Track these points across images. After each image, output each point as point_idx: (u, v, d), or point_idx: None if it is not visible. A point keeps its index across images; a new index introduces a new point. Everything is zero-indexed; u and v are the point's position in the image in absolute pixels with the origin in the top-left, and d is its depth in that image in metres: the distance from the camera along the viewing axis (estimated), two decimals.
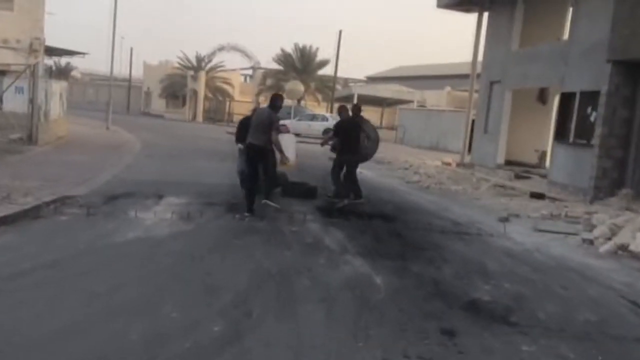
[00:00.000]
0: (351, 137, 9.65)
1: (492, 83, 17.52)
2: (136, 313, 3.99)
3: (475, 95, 19.80)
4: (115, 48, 24.00)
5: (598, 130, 11.39)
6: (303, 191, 9.77)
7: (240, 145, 9.05)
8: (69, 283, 4.55)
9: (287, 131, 9.47)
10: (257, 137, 8.14)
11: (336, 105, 39.57)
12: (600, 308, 4.97)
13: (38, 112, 13.94)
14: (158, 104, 50.81)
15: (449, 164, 18.45)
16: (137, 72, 56.90)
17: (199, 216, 7.45)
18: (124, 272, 4.97)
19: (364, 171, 15.47)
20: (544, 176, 14.41)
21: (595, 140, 11.81)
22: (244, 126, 8.78)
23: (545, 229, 8.27)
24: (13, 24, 21.36)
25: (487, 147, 17.26)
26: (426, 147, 30.75)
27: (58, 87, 17.14)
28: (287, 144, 9.24)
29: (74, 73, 69.63)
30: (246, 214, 7.75)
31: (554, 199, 11.43)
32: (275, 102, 8.52)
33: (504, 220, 8.96)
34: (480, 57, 18.89)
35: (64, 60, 69.62)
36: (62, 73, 69.58)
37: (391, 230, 7.70)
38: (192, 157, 15.74)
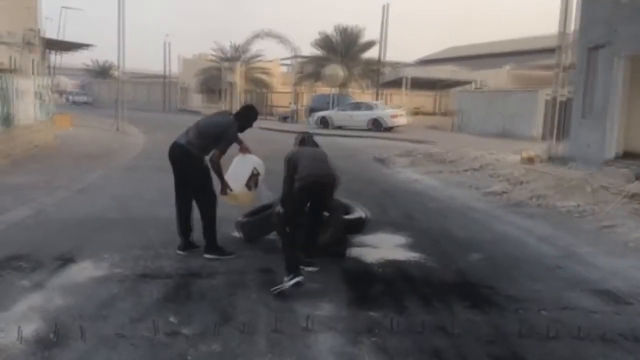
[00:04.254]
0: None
1: (592, 49, 12.88)
2: None
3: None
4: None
5: None
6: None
7: None
8: None
9: (248, 152, 5.55)
10: (191, 140, 5.21)
11: (383, 92, 35.32)
12: None
13: None
14: (195, 100, 47.91)
15: (532, 160, 13.95)
16: (176, 68, 54.31)
17: (91, 326, 3.59)
18: None
19: (423, 178, 11.30)
20: None
21: None
22: None
23: None
24: (2, 15, 18.39)
25: (590, 135, 12.66)
26: (491, 134, 26.07)
27: (31, 84, 13.75)
28: (241, 168, 5.52)
29: (112, 72, 67.87)
30: (178, 251, 5.29)
31: None
32: (246, 114, 5.50)
33: None
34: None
35: (102, 59, 68.82)
36: (102, 72, 68.55)
37: (502, 349, 3.60)
38: None
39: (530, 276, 5.05)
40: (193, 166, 5.16)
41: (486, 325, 3.89)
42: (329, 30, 36.14)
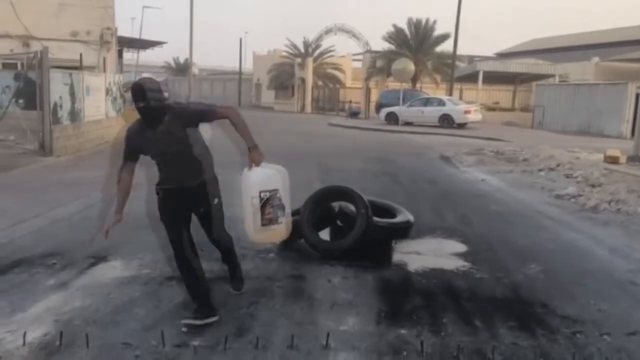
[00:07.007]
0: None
1: None
2: None
3: None
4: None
5: None
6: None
7: None
8: None
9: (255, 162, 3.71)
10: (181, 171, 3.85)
11: (457, 87, 33.96)
12: None
13: (51, 114, 10.91)
14: (267, 96, 48.57)
15: (616, 159, 12.79)
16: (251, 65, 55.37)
17: (101, 332, 3.45)
18: None
19: (489, 179, 10.58)
20: None
21: None
22: None
23: None
24: (81, 14, 19.29)
25: None
26: (574, 131, 24.45)
27: (102, 81, 14.25)
28: (244, 197, 3.80)
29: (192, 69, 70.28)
30: (204, 319, 3.53)
31: None
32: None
33: None
34: None
35: (182, 57, 71.35)
36: (183, 70, 71.17)
37: None
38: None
39: (595, 293, 4.43)
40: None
41: (533, 352, 3.38)
42: (402, 23, 35.38)
